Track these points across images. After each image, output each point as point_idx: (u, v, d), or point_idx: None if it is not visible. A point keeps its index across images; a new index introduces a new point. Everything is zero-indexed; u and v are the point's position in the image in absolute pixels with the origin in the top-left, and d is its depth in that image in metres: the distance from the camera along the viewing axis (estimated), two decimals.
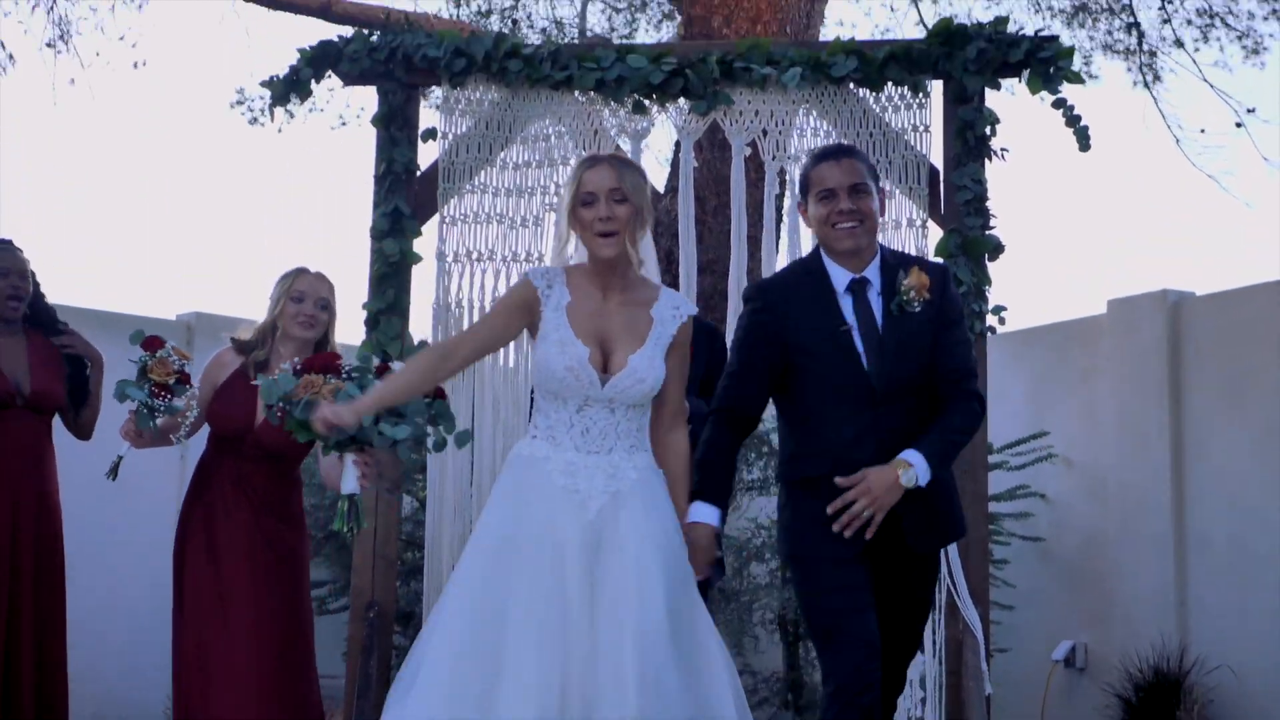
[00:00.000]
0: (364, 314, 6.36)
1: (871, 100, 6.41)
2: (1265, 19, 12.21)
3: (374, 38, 6.49)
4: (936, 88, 6.43)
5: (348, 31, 6.80)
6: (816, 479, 4.43)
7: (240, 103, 11.44)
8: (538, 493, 4.20)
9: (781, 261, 6.52)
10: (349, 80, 6.60)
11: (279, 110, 6.64)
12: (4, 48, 9.35)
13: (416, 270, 6.43)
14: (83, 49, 9.60)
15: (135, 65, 10.20)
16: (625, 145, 6.63)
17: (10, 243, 6.04)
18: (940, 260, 6.09)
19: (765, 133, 6.48)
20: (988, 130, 6.34)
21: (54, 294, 6.30)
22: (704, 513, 4.40)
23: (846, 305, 4.48)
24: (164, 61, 16.86)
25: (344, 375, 4.71)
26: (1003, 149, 6.38)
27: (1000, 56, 6.32)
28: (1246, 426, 8.96)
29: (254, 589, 5.33)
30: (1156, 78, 12.50)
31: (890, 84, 6.40)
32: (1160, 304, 9.58)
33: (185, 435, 5.45)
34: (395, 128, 6.49)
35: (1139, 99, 12.33)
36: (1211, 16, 11.87)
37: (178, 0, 12.56)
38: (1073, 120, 6.28)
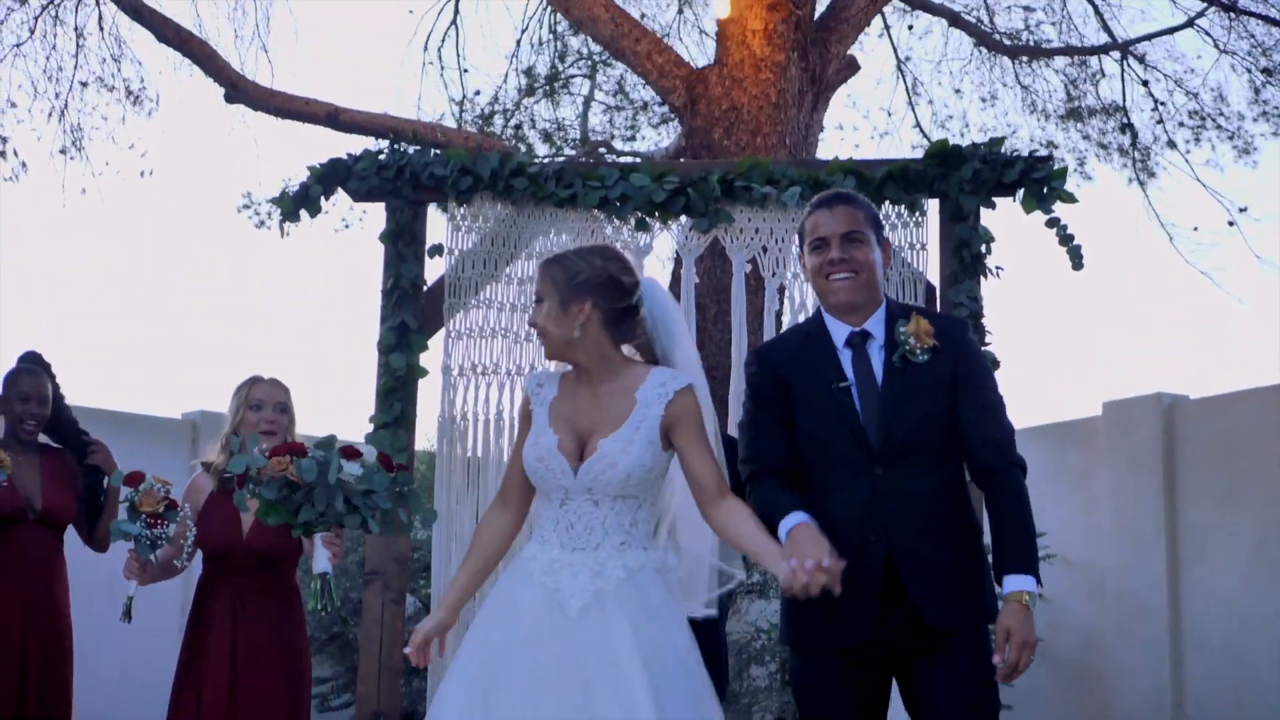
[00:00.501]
0: (370, 426, 6.46)
1: None
2: (1255, 120, 12.42)
3: (382, 156, 6.63)
4: (933, 206, 6.55)
5: (355, 141, 6.94)
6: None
7: (247, 207, 11.66)
8: (521, 596, 4.02)
9: None
10: (358, 197, 6.74)
11: (288, 225, 6.77)
12: (17, 155, 9.57)
13: (422, 383, 6.53)
14: (94, 156, 9.82)
15: (142, 174, 10.43)
16: (630, 259, 6.76)
17: (35, 364, 6.20)
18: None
19: (765, 250, 6.60)
20: (983, 248, 6.46)
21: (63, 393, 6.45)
22: (795, 517, 3.91)
23: (846, 360, 4.14)
24: (171, 165, 17.25)
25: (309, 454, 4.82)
26: (998, 267, 6.50)
27: (995, 177, 6.45)
28: (1241, 529, 9.06)
29: (256, 696, 5.46)
30: (1151, 175, 12.70)
31: (888, 202, 6.53)
32: (1155, 407, 9.72)
33: (188, 558, 5.62)
34: (403, 243, 6.61)
35: (1133, 196, 12.49)
36: (1203, 118, 12.07)
37: (186, 107, 12.79)
38: (1066, 239, 6.40)
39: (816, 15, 8.49)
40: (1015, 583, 3.92)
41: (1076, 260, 6.42)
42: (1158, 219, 12.45)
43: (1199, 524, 9.52)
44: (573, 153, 12.26)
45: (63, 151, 9.55)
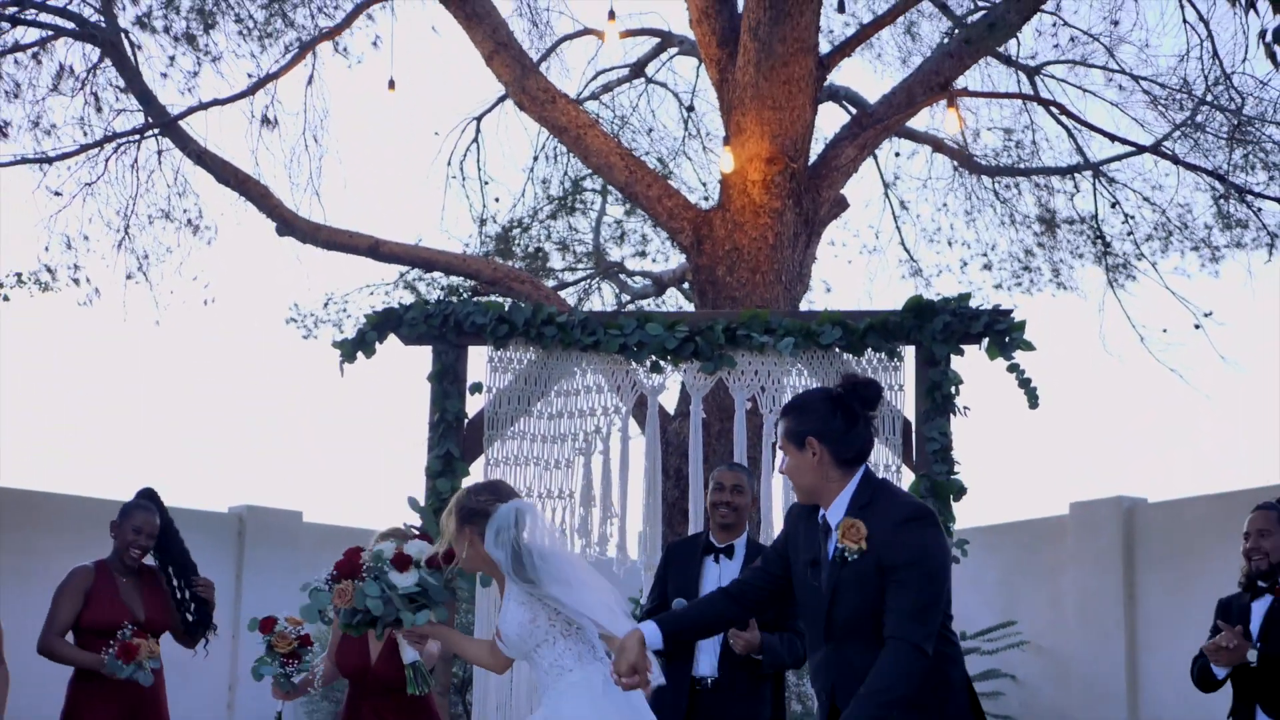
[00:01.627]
0: None
1: (854, 362, 7.41)
2: (1221, 231, 13.23)
3: (429, 306, 7.56)
4: (909, 353, 7.42)
5: (393, 271, 7.79)
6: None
7: (293, 320, 12.53)
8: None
9: (778, 486, 7.50)
10: (408, 341, 7.64)
11: (346, 365, 7.69)
12: (90, 282, 10.56)
13: None
14: (157, 281, 10.78)
15: (205, 303, 11.33)
16: (647, 387, 7.66)
17: (149, 500, 7.12)
18: (919, 504, 6.44)
19: (764, 389, 7.50)
20: (953, 390, 7.35)
21: (120, 491, 7.30)
22: (642, 626, 4.51)
23: (826, 542, 4.49)
24: (224, 282, 18.36)
25: (364, 573, 5.30)
26: (965, 407, 7.40)
27: (963, 328, 7.33)
28: (1194, 621, 9.92)
29: None
30: (1130, 278, 13.42)
31: (870, 349, 7.40)
32: (1116, 509, 10.61)
33: (320, 684, 6.21)
34: (447, 382, 7.53)
35: (1108, 304, 13.28)
36: (1169, 233, 12.90)
37: (238, 231, 13.72)
38: (1024, 383, 7.31)
39: (810, 163, 9.42)
40: None
41: (1033, 400, 7.32)
42: (1129, 321, 13.15)
43: (1155, 616, 10.38)
44: (586, 266, 13.16)
45: (129, 277, 10.53)
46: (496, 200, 13.24)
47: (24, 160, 10.34)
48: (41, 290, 10.45)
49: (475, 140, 12.92)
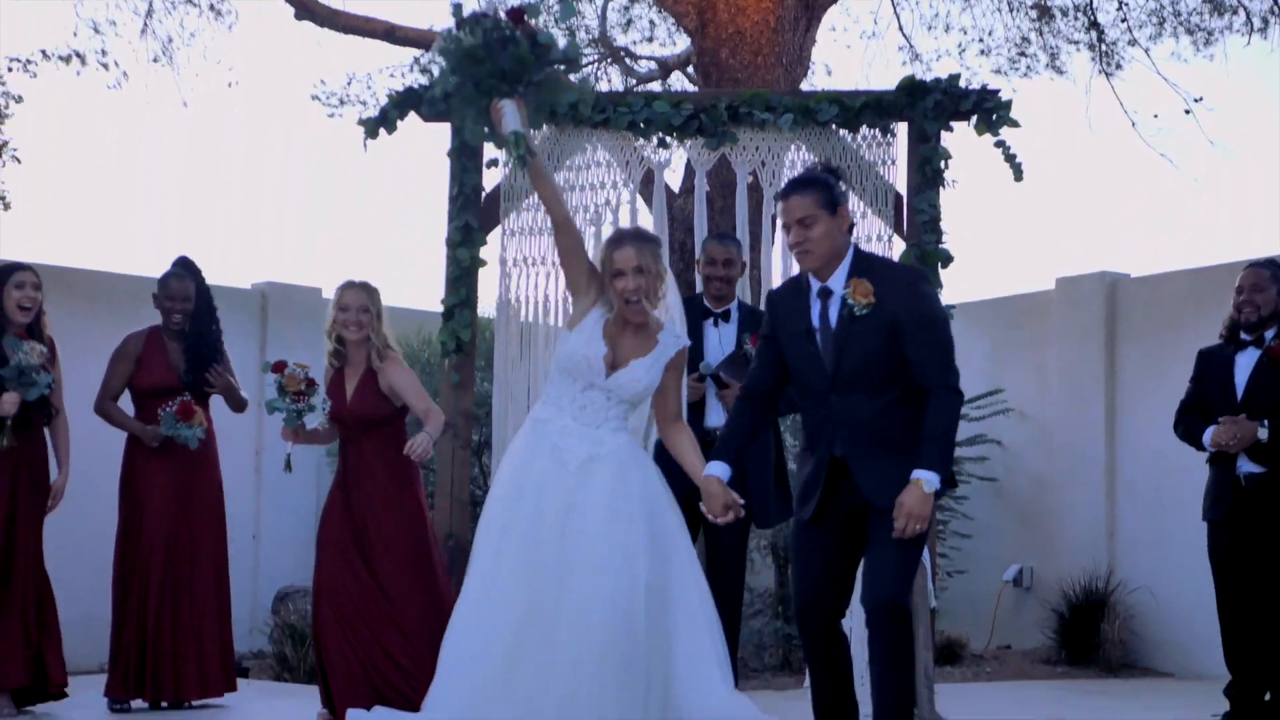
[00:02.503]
0: (442, 308, 7.82)
1: (849, 139, 7.76)
2: (1210, 16, 13.39)
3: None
4: (902, 129, 7.73)
5: (408, 55, 8.03)
6: (804, 450, 5.26)
7: (318, 98, 12.86)
8: (535, 451, 5.29)
9: (777, 255, 7.97)
10: (427, 119, 8.01)
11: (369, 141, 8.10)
12: (118, 65, 10.86)
13: (483, 273, 7.75)
14: (183, 65, 11.08)
15: (229, 85, 11.64)
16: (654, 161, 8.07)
17: (184, 268, 7.59)
18: (914, 267, 6.71)
19: (764, 164, 7.88)
20: (942, 165, 7.71)
21: (146, 266, 7.68)
22: (713, 468, 5.17)
23: (816, 310, 5.12)
24: (247, 65, 18.61)
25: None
26: (953, 180, 7.84)
27: (953, 106, 7.67)
28: (1169, 390, 10.30)
29: (387, 543, 6.67)
30: (1119, 66, 13.65)
31: (865, 126, 7.74)
32: (1100, 283, 11.04)
33: (324, 424, 6.76)
34: (465, 158, 7.92)
35: (1099, 89, 13.48)
36: (1161, 20, 13.08)
37: (258, 18, 13.92)
38: (1009, 158, 7.68)
39: None
40: (920, 474, 4.87)
41: (1017, 173, 7.68)
42: (1121, 107, 13.38)
43: (1133, 386, 10.86)
44: (594, 51, 13.39)
45: (154, 60, 10.86)
46: None
47: None
48: (65, 63, 10.72)
49: None
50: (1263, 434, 6.96)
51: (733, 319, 7.10)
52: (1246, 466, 7.11)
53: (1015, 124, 7.71)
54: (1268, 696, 7.22)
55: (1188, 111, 13.36)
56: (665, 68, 13.04)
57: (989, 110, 7.70)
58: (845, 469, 5.06)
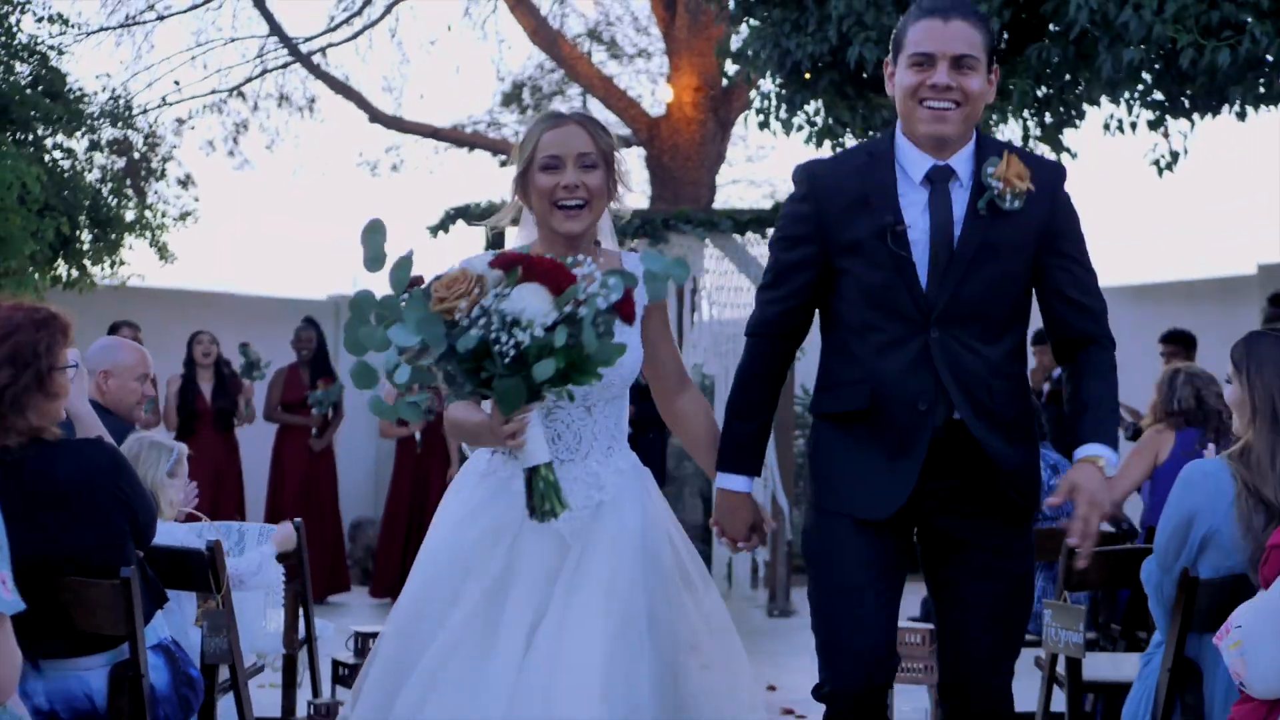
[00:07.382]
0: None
1: (742, 240, 12.14)
2: None
3: None
4: None
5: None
6: (851, 415, 3.52)
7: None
8: (501, 519, 3.49)
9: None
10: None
11: None
12: (243, 153, 15.83)
13: None
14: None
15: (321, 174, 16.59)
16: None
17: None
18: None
19: (687, 256, 12.16)
20: None
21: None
22: (728, 481, 3.63)
23: (918, 199, 3.47)
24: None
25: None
26: None
27: None
28: None
29: None
30: None
31: (750, 232, 12.20)
32: None
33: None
34: None
35: None
36: None
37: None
38: None
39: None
40: (1094, 449, 3.45)
41: None
42: None
43: None
44: None
45: (267, 148, 15.82)
46: None
47: None
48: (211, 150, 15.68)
49: None
50: None
51: None
52: None
53: None
54: None
55: None
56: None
57: None
58: (961, 443, 3.50)
